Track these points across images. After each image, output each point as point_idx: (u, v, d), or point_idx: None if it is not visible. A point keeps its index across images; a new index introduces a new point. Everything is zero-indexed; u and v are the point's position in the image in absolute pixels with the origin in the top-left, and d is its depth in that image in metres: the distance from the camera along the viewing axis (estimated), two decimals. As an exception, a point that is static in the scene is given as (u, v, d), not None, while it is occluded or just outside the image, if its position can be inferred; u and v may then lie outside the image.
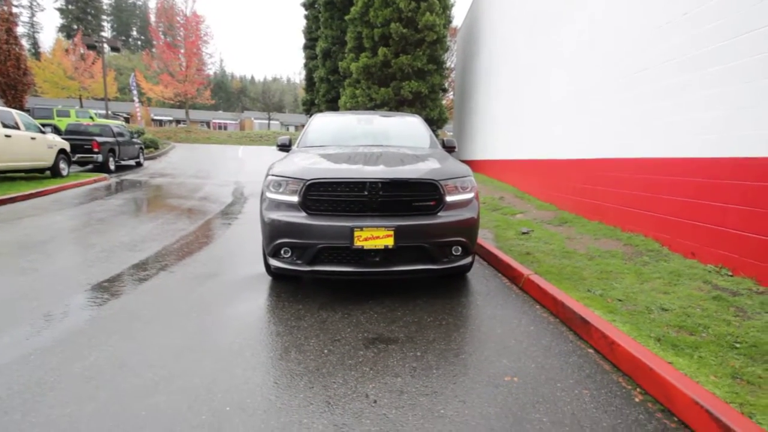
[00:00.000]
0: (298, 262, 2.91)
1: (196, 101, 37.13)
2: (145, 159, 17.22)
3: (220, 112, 57.41)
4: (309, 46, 20.27)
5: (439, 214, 2.97)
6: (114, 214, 6.52)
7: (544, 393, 1.89)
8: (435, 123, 14.85)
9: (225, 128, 50.63)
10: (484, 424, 1.67)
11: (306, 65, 20.55)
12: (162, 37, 33.00)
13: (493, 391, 1.90)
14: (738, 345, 2.16)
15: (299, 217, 2.87)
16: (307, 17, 21.07)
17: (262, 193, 3.19)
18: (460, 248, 3.02)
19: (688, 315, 2.58)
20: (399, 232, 2.78)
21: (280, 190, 3.01)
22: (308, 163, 3.21)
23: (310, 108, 20.99)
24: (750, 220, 3.06)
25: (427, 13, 12.97)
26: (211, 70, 43.48)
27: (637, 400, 1.84)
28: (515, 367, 2.11)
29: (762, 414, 1.58)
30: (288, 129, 51.80)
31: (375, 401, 1.82)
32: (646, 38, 4.45)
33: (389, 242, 2.79)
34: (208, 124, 51.49)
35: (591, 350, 2.30)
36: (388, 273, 2.90)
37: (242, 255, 4.31)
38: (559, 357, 2.23)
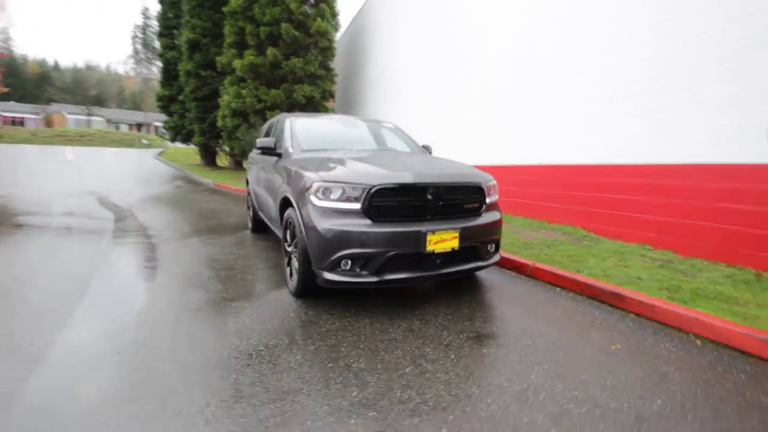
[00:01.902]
0: (363, 273, 2.73)
1: (-24, 86, 27.74)
2: None
3: (12, 103, 43.96)
4: (165, 34, 17.48)
5: (482, 214, 3.21)
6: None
7: (648, 351, 2.34)
8: (326, 128, 14.82)
9: (22, 124, 39.14)
10: (645, 383, 2.00)
11: (163, 56, 17.63)
12: None
13: (618, 358, 2.26)
14: (711, 296, 3.05)
15: (364, 225, 2.70)
16: (161, 1, 18.16)
17: (305, 201, 2.85)
18: (494, 245, 3.32)
19: (658, 280, 3.46)
20: (462, 234, 2.91)
21: (333, 196, 2.77)
22: (356, 166, 3.01)
23: (169, 105, 18.14)
24: (665, 209, 4.25)
25: (319, 19, 12.93)
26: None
27: (698, 343, 2.46)
28: (607, 337, 2.52)
29: (777, 335, 2.34)
30: (118, 128, 43.22)
31: (552, 388, 1.95)
32: (566, 74, 5.60)
33: (455, 244, 2.89)
34: (-8, 117, 38.91)
35: (632, 315, 2.89)
36: (449, 274, 2.98)
37: (223, 279, 3.68)
38: (620, 323, 2.74)
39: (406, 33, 10.72)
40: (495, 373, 2.08)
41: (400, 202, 2.81)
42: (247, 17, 13.25)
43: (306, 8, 13.02)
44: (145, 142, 33.20)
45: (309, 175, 2.92)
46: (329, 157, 3.36)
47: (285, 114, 4.86)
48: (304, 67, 13.14)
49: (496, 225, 3.26)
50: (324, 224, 2.70)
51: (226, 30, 13.79)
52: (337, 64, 16.35)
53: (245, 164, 19.85)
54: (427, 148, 4.59)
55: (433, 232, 2.78)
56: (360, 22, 14.72)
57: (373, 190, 2.72)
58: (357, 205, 2.73)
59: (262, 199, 4.72)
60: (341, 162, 3.15)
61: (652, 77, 4.41)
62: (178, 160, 20.29)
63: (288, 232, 3.34)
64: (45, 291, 3.18)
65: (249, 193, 5.99)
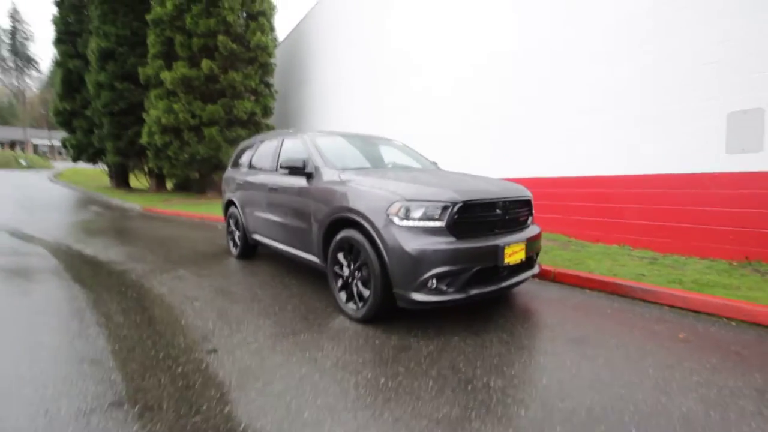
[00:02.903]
0: (450, 290, 2.72)
1: None
2: None
3: None
4: (65, 41, 15.08)
5: (530, 226, 3.42)
6: None
7: (708, 336, 2.71)
8: (268, 146, 14.18)
9: None
10: (732, 363, 2.32)
11: (62, 65, 15.10)
12: None
13: (694, 345, 2.57)
14: (710, 284, 3.63)
15: (451, 243, 2.71)
16: (59, 3, 15.74)
17: (385, 222, 2.75)
18: (536, 255, 3.55)
19: (659, 275, 4.00)
20: (527, 246, 3.07)
21: (414, 215, 2.73)
22: (424, 184, 2.99)
23: (70, 120, 15.66)
24: (640, 214, 4.95)
25: (258, 33, 12.53)
26: None
27: (733, 324, 2.92)
28: (669, 329, 2.85)
29: (788, 310, 2.90)
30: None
31: (673, 377, 2.16)
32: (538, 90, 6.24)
33: (523, 256, 3.03)
34: None
35: (666, 306, 3.31)
36: (512, 285, 3.10)
37: (263, 313, 3.34)
38: (665, 315, 3.12)
39: (357, 49, 10.87)
40: (620, 372, 2.23)
41: (478, 218, 2.87)
42: (176, 27, 12.28)
43: (244, 22, 12.51)
44: (23, 162, 28.07)
45: (384, 194, 2.83)
46: (382, 175, 3.29)
47: (282, 131, 4.62)
48: (244, 81, 12.53)
49: (541, 235, 3.49)
50: (413, 244, 2.63)
51: (151, 39, 12.58)
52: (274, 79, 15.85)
53: (169, 184, 17.94)
54: (434, 165, 4.73)
55: (508, 245, 2.89)
56: (298, 38, 14.51)
57: (456, 208, 2.74)
58: (440, 223, 2.72)
59: (269, 222, 4.37)
60: (403, 180, 3.11)
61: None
62: (81, 183, 17.58)
63: (341, 254, 3.17)
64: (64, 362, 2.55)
65: (231, 218, 5.48)
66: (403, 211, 2.72)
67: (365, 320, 2.97)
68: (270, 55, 13.06)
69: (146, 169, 15.77)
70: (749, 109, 4.01)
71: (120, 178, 16.83)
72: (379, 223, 2.77)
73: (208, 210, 10.93)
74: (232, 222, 5.50)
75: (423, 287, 2.67)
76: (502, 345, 2.62)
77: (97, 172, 19.01)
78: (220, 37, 11.87)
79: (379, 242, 2.76)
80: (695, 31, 4.43)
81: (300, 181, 3.79)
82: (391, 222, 2.73)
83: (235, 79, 12.20)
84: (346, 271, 3.16)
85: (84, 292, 3.82)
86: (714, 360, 2.38)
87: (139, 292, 3.83)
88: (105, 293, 3.80)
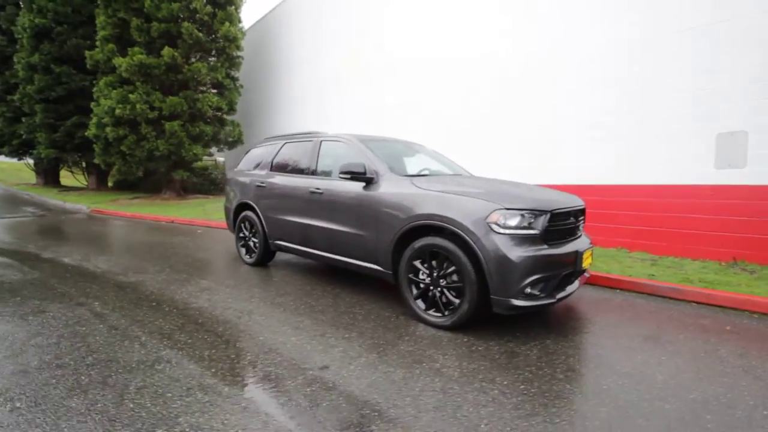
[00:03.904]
0: (542, 295, 2.87)
1: None
2: None
3: None
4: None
5: (582, 233, 3.68)
6: None
7: (745, 327, 3.14)
8: (233, 145, 13.41)
9: None
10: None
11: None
12: None
13: (742, 336, 2.97)
14: (715, 283, 4.18)
15: (545, 249, 2.86)
16: (-26, -34, 13.36)
17: (485, 230, 2.80)
18: (583, 259, 3.83)
19: (667, 275, 4.52)
20: (592, 251, 3.32)
21: (511, 223, 2.83)
22: (510, 192, 3.10)
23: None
24: (634, 220, 5.53)
25: (227, 23, 11.79)
26: None
27: (756, 316, 3.41)
28: (714, 323, 3.25)
29: (794, 303, 3.46)
30: None
31: (750, 363, 2.50)
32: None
33: (591, 260, 3.27)
34: None
35: (694, 303, 3.75)
36: (578, 287, 3.32)
37: (335, 323, 3.23)
38: (698, 310, 3.54)
39: (343, 48, 10.65)
40: (709, 364, 2.52)
41: (560, 226, 3.05)
42: (132, 9, 11.13)
43: (211, 9, 11.68)
44: None
45: (480, 202, 2.88)
46: (460, 182, 3.35)
47: (323, 133, 4.46)
48: (210, 73, 11.72)
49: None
50: (516, 252, 2.72)
51: (100, 20, 11.29)
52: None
53: (110, 181, 16.08)
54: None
55: (584, 250, 3.10)
56: (266, 30, 13.86)
57: (548, 216, 2.89)
58: (536, 231, 2.85)
59: (306, 228, 4.18)
60: (486, 188, 3.18)
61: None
62: (-3, 179, 15.14)
63: (419, 262, 3.17)
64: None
65: (244, 222, 5.14)
66: (502, 219, 2.80)
67: (453, 327, 3.00)
68: (238, 47, 12.36)
69: (84, 164, 14.07)
70: (736, 131, 4.69)
71: (50, 175, 14.79)
72: (479, 231, 2.82)
73: (170, 212, 10.07)
74: (245, 227, 5.16)
75: (521, 293, 2.77)
76: (594, 346, 2.81)
77: (15, 167, 16.43)
78: (185, 24, 10.99)
79: (477, 250, 2.81)
80: (693, 63, 5.07)
81: (354, 187, 3.69)
82: (491, 230, 2.79)
83: (200, 70, 11.36)
84: (426, 279, 3.16)
85: (108, 309, 3.39)
86: (759, 348, 2.79)
87: (176, 307, 3.48)
88: (135, 309, 3.40)
